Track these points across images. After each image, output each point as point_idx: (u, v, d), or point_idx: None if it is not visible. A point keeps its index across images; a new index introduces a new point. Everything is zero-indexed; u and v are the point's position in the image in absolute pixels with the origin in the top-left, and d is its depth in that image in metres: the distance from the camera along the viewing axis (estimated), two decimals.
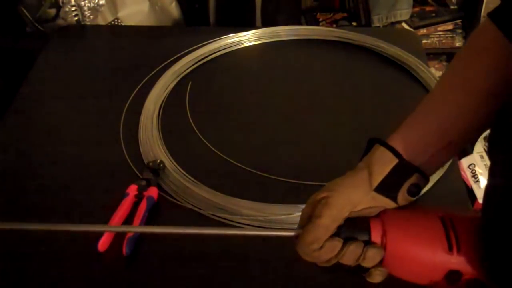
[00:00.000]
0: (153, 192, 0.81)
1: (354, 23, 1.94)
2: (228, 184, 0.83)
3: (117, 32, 1.27)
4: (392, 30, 1.79)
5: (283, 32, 1.18)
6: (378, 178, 0.50)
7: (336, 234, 0.48)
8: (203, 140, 0.92)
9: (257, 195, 0.80)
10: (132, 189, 0.81)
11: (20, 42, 1.29)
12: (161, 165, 0.84)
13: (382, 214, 0.49)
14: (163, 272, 0.73)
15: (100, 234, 0.74)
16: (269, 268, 0.73)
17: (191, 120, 0.96)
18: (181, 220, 0.79)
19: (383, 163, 0.50)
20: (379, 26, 1.86)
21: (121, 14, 1.29)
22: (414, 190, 0.50)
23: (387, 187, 0.50)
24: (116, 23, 1.29)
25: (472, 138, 0.54)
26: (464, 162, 1.41)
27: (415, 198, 0.51)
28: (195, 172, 0.85)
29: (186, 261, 0.74)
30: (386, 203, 0.51)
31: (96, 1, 1.23)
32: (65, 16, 1.21)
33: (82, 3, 1.21)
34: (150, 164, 0.85)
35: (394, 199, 0.50)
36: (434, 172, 0.54)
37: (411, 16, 1.94)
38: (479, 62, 0.50)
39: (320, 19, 1.97)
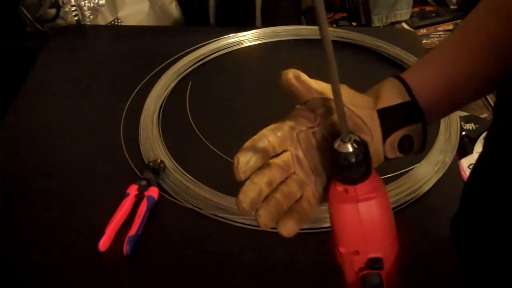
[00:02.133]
0: (153, 192, 0.81)
1: (354, 23, 1.94)
2: (228, 184, 0.83)
3: (117, 32, 1.27)
4: (392, 30, 1.79)
5: (283, 32, 1.18)
6: (384, 103, 0.48)
7: (355, 150, 0.44)
8: (204, 140, 0.92)
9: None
10: (133, 189, 0.81)
11: (20, 42, 1.29)
12: (162, 165, 0.85)
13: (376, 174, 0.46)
14: (163, 272, 0.73)
15: (101, 233, 0.74)
16: (269, 269, 0.73)
17: (191, 120, 0.97)
18: (182, 220, 0.80)
19: (395, 93, 0.49)
20: (379, 26, 1.87)
21: (121, 14, 1.29)
22: (406, 144, 0.48)
23: (387, 118, 0.48)
24: (116, 23, 1.29)
25: (473, 97, 0.52)
26: (464, 162, 1.41)
27: (398, 155, 0.49)
28: (195, 172, 0.85)
29: (186, 261, 0.74)
30: (376, 133, 0.48)
31: (96, 1, 1.23)
32: (65, 16, 1.21)
33: (82, 3, 1.21)
34: (151, 164, 0.85)
35: (385, 137, 0.48)
36: (429, 124, 0.51)
37: (411, 16, 1.94)
38: (495, 21, 0.48)
39: None
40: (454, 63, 0.50)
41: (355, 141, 0.42)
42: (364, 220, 0.43)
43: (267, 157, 0.46)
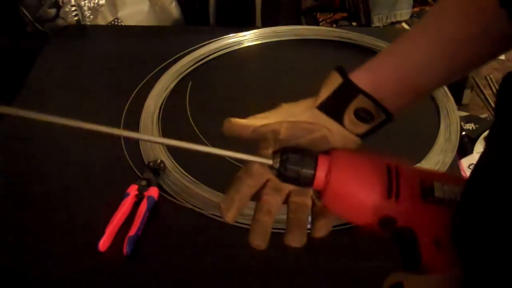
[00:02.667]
0: (153, 192, 0.81)
1: (354, 23, 1.94)
2: (228, 184, 0.83)
3: (117, 32, 1.27)
4: (392, 30, 1.79)
5: (283, 32, 1.19)
6: (322, 96, 0.51)
7: (283, 162, 0.48)
8: (204, 140, 0.92)
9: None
10: (133, 189, 0.81)
11: (20, 42, 1.29)
12: (162, 165, 0.85)
13: (331, 152, 0.49)
14: (164, 272, 0.73)
15: (101, 233, 0.74)
16: (270, 268, 0.73)
17: (191, 120, 0.97)
18: (182, 220, 0.80)
19: (329, 83, 0.51)
20: (379, 26, 1.86)
21: (121, 14, 1.29)
22: (363, 115, 0.50)
23: (332, 107, 0.50)
24: (116, 23, 1.29)
25: (438, 84, 0.54)
26: (464, 162, 1.41)
27: (367, 127, 0.51)
28: (195, 172, 0.85)
29: (186, 261, 0.74)
30: (330, 124, 0.50)
31: (96, 1, 1.23)
32: (65, 16, 1.21)
33: (82, 3, 1.21)
34: (151, 164, 0.85)
35: (341, 121, 0.50)
36: (397, 112, 0.52)
37: (411, 16, 1.94)
38: (459, 12, 0.50)
39: (320, 19, 1.97)
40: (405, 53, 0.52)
41: (281, 157, 0.48)
42: (343, 196, 0.46)
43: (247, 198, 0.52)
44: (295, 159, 0.47)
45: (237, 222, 0.77)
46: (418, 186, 0.46)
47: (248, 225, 0.77)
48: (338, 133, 0.51)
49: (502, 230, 0.41)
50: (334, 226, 0.76)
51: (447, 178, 0.48)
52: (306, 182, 0.47)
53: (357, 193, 0.46)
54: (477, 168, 0.42)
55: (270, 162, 0.49)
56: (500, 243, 0.42)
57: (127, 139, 0.92)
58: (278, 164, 0.48)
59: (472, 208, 0.43)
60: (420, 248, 0.45)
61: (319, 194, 0.48)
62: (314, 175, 0.47)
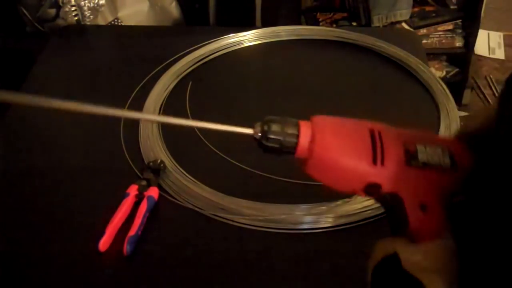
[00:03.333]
0: (153, 192, 0.81)
1: (354, 23, 1.94)
2: (228, 184, 0.83)
3: (117, 32, 1.27)
4: (392, 30, 1.79)
5: (283, 32, 1.18)
6: None
7: (264, 132, 0.47)
8: (204, 140, 0.92)
9: (257, 195, 0.80)
10: (133, 189, 0.81)
11: (20, 42, 1.29)
12: (162, 165, 0.84)
13: (313, 118, 0.48)
14: (164, 272, 0.73)
15: (101, 233, 0.74)
16: (270, 269, 0.73)
17: None
18: (182, 220, 0.80)
19: None
20: (379, 26, 1.87)
21: (121, 14, 1.29)
22: None
23: None
24: (116, 23, 1.29)
25: None
26: None
27: None
28: (195, 172, 0.85)
29: (186, 261, 0.74)
30: None
31: (96, 1, 1.23)
32: (65, 16, 1.21)
33: (82, 3, 1.21)
34: (151, 164, 0.85)
35: None
36: None
37: (411, 16, 1.94)
38: None
39: (320, 19, 1.97)
40: None
41: (262, 127, 0.47)
42: (327, 163, 0.46)
43: None
44: (276, 128, 0.47)
45: (237, 222, 0.78)
46: (402, 150, 0.46)
47: (248, 225, 0.77)
48: None
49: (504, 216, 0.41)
50: (334, 226, 0.77)
51: (428, 139, 0.48)
52: (288, 150, 0.47)
53: (342, 160, 0.46)
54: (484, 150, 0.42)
55: (250, 131, 0.48)
56: (500, 229, 0.42)
57: (127, 140, 0.92)
58: (259, 135, 0.47)
59: (476, 191, 0.44)
60: (407, 213, 0.46)
61: (302, 162, 0.48)
62: (297, 143, 0.47)
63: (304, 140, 0.47)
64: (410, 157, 0.46)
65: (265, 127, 0.47)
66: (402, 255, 0.43)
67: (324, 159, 0.46)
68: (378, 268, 0.43)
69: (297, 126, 0.47)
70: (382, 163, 0.45)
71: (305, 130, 0.47)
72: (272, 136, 0.47)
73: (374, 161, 0.45)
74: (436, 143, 0.48)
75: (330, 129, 0.47)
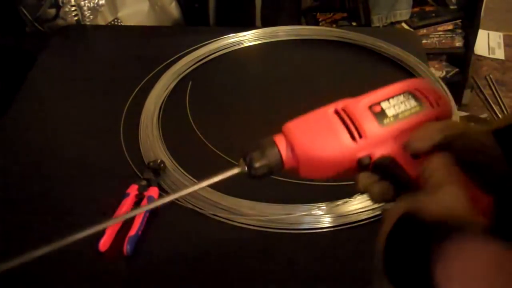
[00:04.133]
0: (153, 192, 0.81)
1: (354, 23, 1.94)
2: (228, 184, 0.83)
3: (117, 32, 1.27)
4: (392, 30, 1.79)
5: (283, 32, 1.19)
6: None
7: (249, 164, 0.49)
8: (204, 140, 0.92)
9: (257, 195, 0.80)
10: (133, 189, 0.81)
11: (20, 42, 1.29)
12: (162, 165, 0.84)
13: (283, 128, 0.50)
14: (164, 272, 0.73)
15: (101, 234, 0.74)
16: (270, 269, 0.73)
17: (191, 120, 0.97)
18: (182, 220, 0.80)
19: None
20: (379, 26, 1.87)
21: (121, 14, 1.29)
22: None
23: None
24: (116, 23, 1.29)
25: None
26: None
27: None
28: (195, 172, 0.85)
29: (186, 261, 0.74)
30: None
31: (96, 1, 1.23)
32: (65, 16, 1.21)
33: (82, 3, 1.21)
34: (151, 164, 0.85)
35: None
36: None
37: (411, 16, 1.94)
38: None
39: (320, 19, 1.97)
40: None
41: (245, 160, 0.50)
42: (314, 161, 0.48)
43: None
44: (258, 156, 0.49)
45: (238, 222, 0.78)
46: (371, 114, 0.48)
47: (249, 225, 0.77)
48: None
49: None
50: (334, 226, 0.77)
51: (387, 92, 0.50)
52: (278, 168, 0.49)
53: (325, 152, 0.47)
54: None
55: (237, 170, 0.50)
56: None
57: (127, 140, 0.92)
58: (246, 169, 0.49)
59: None
60: (404, 168, 0.47)
61: (293, 171, 0.49)
62: (281, 159, 0.48)
63: (285, 153, 0.48)
64: (380, 117, 0.48)
65: (248, 160, 0.49)
66: (425, 209, 0.40)
67: (310, 159, 0.48)
68: (392, 234, 0.41)
69: (274, 143, 0.49)
70: (360, 136, 0.47)
71: (282, 144, 0.49)
72: (258, 165, 0.48)
73: (353, 138, 0.47)
74: (396, 91, 0.50)
75: (301, 130, 0.49)
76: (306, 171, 0.49)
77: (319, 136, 0.48)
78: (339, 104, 0.50)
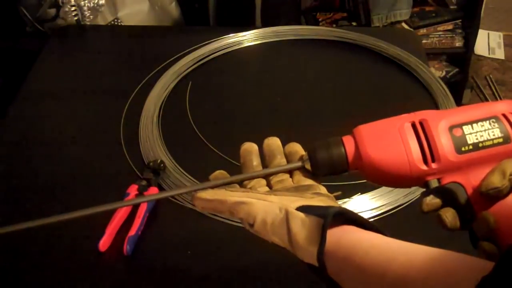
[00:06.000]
0: (153, 192, 0.81)
1: (354, 23, 1.94)
2: None
3: (117, 32, 1.27)
4: (392, 30, 1.79)
5: (283, 32, 1.19)
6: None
7: (313, 161, 0.48)
8: (204, 140, 0.92)
9: None
10: (133, 189, 0.81)
11: (20, 42, 1.29)
12: (162, 165, 0.84)
13: (354, 131, 0.49)
14: (163, 272, 0.73)
15: (101, 233, 0.74)
16: (269, 269, 0.73)
17: (191, 120, 0.97)
18: (182, 220, 0.79)
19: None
20: (379, 26, 1.86)
21: (121, 14, 1.29)
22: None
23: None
24: (116, 23, 1.29)
25: None
26: None
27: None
28: (195, 172, 0.85)
29: (186, 260, 0.74)
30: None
31: (96, 1, 1.23)
32: (65, 16, 1.21)
33: (82, 3, 1.21)
34: (151, 164, 0.85)
35: None
36: None
37: (411, 16, 1.94)
38: None
39: (320, 19, 1.97)
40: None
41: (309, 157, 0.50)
42: (381, 171, 0.47)
43: None
44: (322, 152, 0.48)
45: (237, 222, 0.78)
46: (450, 138, 0.45)
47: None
48: None
49: None
50: None
51: (474, 113, 0.46)
52: (342, 169, 0.48)
53: (392, 167, 0.46)
54: None
55: (300, 164, 0.49)
56: None
57: (127, 140, 0.92)
58: (309, 164, 0.49)
59: None
60: (471, 200, 0.44)
61: (360, 174, 0.48)
62: (346, 160, 0.47)
63: (352, 155, 0.48)
64: (459, 144, 0.45)
65: (311, 154, 0.49)
66: None
67: (375, 169, 0.46)
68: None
69: (341, 143, 0.48)
70: (433, 160, 0.45)
71: (350, 145, 0.48)
72: (320, 161, 0.48)
73: (425, 162, 0.45)
74: (483, 114, 0.45)
75: (372, 137, 0.47)
76: (370, 177, 0.48)
77: (389, 149, 0.46)
78: (418, 116, 0.48)
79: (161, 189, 0.82)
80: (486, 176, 0.44)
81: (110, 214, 0.77)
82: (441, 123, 0.46)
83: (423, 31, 1.97)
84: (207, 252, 0.75)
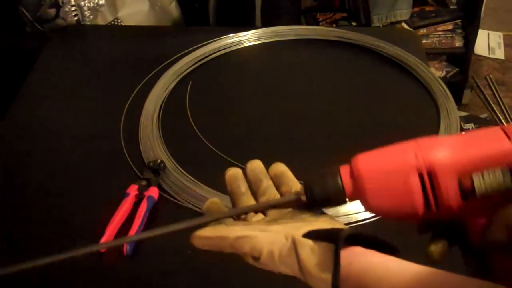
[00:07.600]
0: (153, 192, 0.81)
1: (354, 23, 1.94)
2: None
3: (117, 32, 1.27)
4: (392, 30, 1.79)
5: (283, 32, 1.18)
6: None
7: (309, 194, 0.47)
8: (203, 140, 0.92)
9: None
10: (133, 189, 0.81)
11: (20, 42, 1.29)
12: (162, 165, 0.84)
13: (352, 161, 0.46)
14: (163, 272, 0.73)
15: (101, 234, 0.74)
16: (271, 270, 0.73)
17: (191, 120, 0.97)
18: (182, 220, 0.79)
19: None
20: (379, 26, 1.87)
21: (121, 14, 1.29)
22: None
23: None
24: (116, 23, 1.29)
25: None
26: None
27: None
28: (195, 172, 0.85)
29: (186, 261, 0.74)
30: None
31: (96, 1, 1.23)
32: (65, 16, 1.21)
33: (82, 3, 1.21)
34: (151, 164, 0.85)
35: None
36: None
37: (411, 16, 1.94)
38: None
39: (320, 19, 1.97)
40: None
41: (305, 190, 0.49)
42: (380, 208, 0.45)
43: None
44: (318, 185, 0.47)
45: None
46: (457, 189, 0.42)
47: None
48: None
49: None
50: None
51: (487, 159, 0.42)
52: (340, 201, 0.47)
53: (392, 211, 0.44)
54: None
55: (295, 196, 0.49)
56: None
57: (127, 140, 0.92)
58: (304, 197, 0.48)
59: None
60: (471, 240, 0.43)
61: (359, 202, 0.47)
62: (343, 193, 0.46)
63: (349, 189, 0.46)
64: (466, 193, 0.42)
65: (307, 187, 0.48)
66: None
67: (373, 208, 0.45)
68: None
69: (337, 173, 0.46)
70: (437, 209, 0.43)
71: (347, 178, 0.46)
72: (315, 195, 0.47)
73: (428, 209, 0.43)
74: (496, 162, 0.42)
75: (371, 174, 0.45)
76: (370, 209, 0.46)
77: (392, 200, 0.44)
78: (427, 161, 0.43)
79: (161, 189, 0.82)
80: (489, 226, 0.42)
81: (110, 214, 0.77)
82: (449, 171, 0.42)
83: (423, 31, 1.97)
84: (207, 252, 0.75)
